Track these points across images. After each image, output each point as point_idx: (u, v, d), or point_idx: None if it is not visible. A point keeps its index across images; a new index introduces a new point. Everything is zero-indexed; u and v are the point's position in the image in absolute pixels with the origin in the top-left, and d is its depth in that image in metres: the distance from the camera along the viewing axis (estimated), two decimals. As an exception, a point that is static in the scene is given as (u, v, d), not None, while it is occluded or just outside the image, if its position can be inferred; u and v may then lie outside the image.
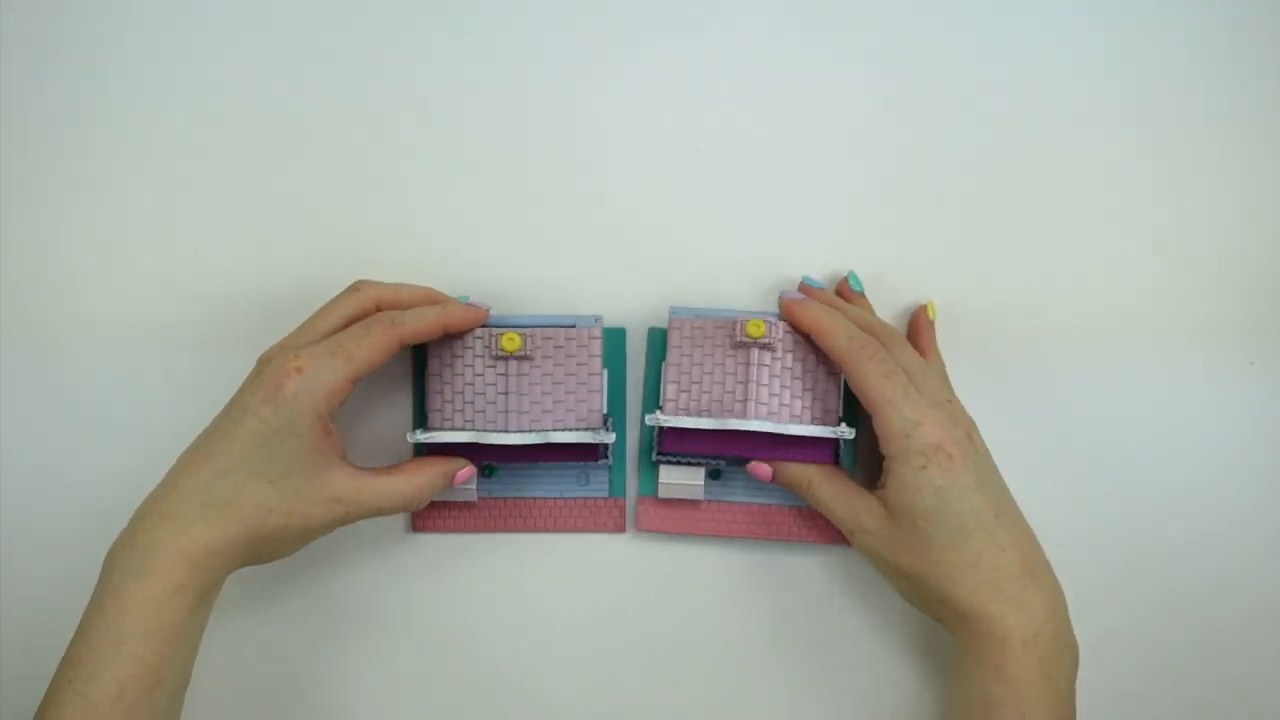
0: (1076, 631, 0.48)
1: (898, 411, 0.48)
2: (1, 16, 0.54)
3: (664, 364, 0.51)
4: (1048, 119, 0.55)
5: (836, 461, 0.51)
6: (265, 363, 0.47)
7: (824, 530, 0.54)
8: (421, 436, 0.50)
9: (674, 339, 0.51)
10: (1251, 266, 0.54)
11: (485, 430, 0.50)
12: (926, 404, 0.48)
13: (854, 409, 0.51)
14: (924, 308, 0.54)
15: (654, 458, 0.53)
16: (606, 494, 0.54)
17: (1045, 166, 0.55)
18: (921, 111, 0.55)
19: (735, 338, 0.50)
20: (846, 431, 0.50)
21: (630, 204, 0.54)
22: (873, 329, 0.51)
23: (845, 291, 0.54)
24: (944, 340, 0.54)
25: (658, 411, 0.51)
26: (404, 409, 0.54)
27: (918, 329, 0.54)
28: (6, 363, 0.54)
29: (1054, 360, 0.54)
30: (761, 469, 0.51)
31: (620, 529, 0.54)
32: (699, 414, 0.51)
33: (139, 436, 0.53)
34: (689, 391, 0.51)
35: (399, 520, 0.54)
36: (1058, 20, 0.55)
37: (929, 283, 0.54)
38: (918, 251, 0.54)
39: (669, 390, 0.51)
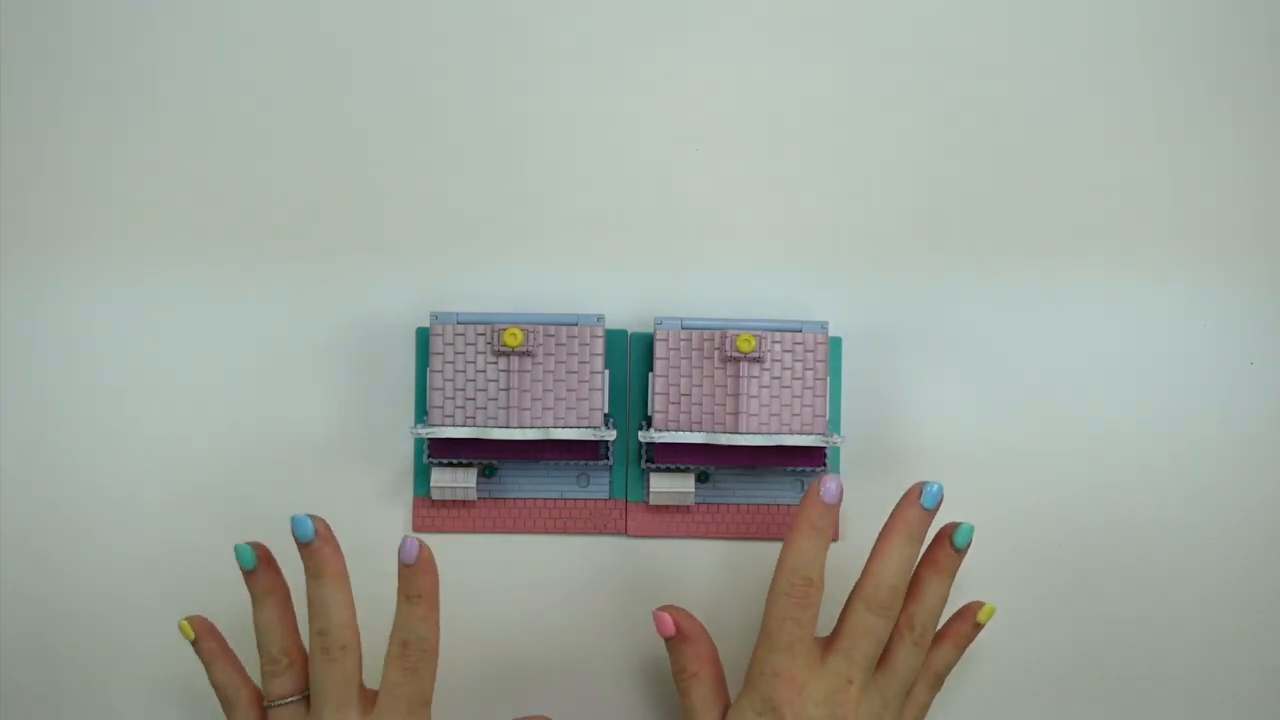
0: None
1: (768, 649, 0.46)
2: None
3: (651, 375, 0.52)
4: (1055, 119, 0.55)
5: (825, 467, 0.52)
6: None
7: None
8: (423, 431, 0.50)
9: (660, 350, 0.51)
10: (1252, 266, 0.55)
11: (486, 425, 0.50)
12: (816, 675, 0.46)
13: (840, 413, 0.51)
14: (980, 607, 0.49)
15: (643, 465, 0.53)
16: (607, 495, 0.54)
17: (1052, 171, 0.55)
18: (924, 111, 0.55)
19: (724, 351, 0.50)
20: (836, 438, 0.51)
21: (629, 206, 0.55)
22: (913, 614, 0.47)
23: (942, 538, 0.48)
24: (951, 358, 0.54)
25: (650, 429, 0.51)
26: (406, 403, 0.54)
27: (956, 623, 0.49)
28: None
29: (1053, 359, 0.55)
30: (666, 624, 0.49)
31: (621, 530, 0.54)
32: (689, 427, 0.51)
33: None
34: (678, 404, 0.51)
35: (399, 520, 0.54)
36: (1056, 16, 0.55)
37: (931, 285, 0.54)
38: (919, 252, 0.55)
39: (657, 403, 0.51)
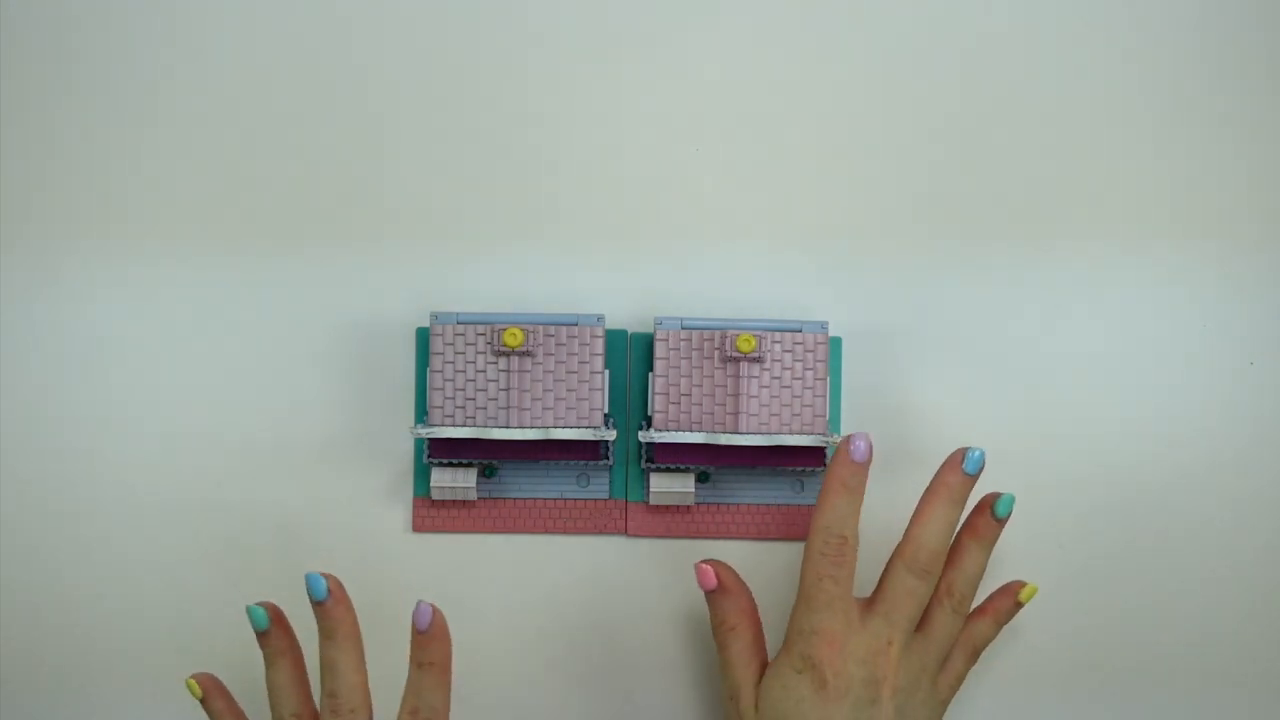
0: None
1: (806, 609, 0.46)
2: None
3: (651, 375, 0.52)
4: (1055, 122, 0.55)
5: (825, 467, 0.52)
6: None
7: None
8: (423, 431, 0.50)
9: (660, 350, 0.51)
10: (1253, 266, 0.55)
11: (486, 425, 0.50)
12: (856, 634, 0.46)
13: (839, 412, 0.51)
14: (1022, 586, 0.50)
15: (643, 465, 0.53)
16: (607, 495, 0.54)
17: (1052, 173, 0.55)
18: (924, 111, 0.55)
19: (724, 351, 0.51)
20: (836, 438, 0.51)
21: (629, 206, 0.55)
22: (952, 580, 0.47)
23: (983, 507, 0.49)
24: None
25: (649, 429, 0.51)
26: (406, 403, 0.54)
27: (999, 599, 0.50)
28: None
29: (1052, 360, 0.55)
30: (708, 576, 0.49)
31: (621, 530, 0.54)
32: (689, 427, 0.51)
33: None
34: (678, 404, 0.51)
35: (399, 520, 0.54)
36: (1057, 15, 0.55)
37: (932, 285, 0.54)
38: (920, 252, 0.55)
39: (657, 403, 0.51)
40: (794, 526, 0.54)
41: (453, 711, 0.48)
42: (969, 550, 0.48)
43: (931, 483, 0.48)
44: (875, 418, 0.54)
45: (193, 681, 0.48)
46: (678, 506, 0.54)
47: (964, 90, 0.55)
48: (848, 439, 0.46)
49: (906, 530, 0.47)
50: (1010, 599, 0.50)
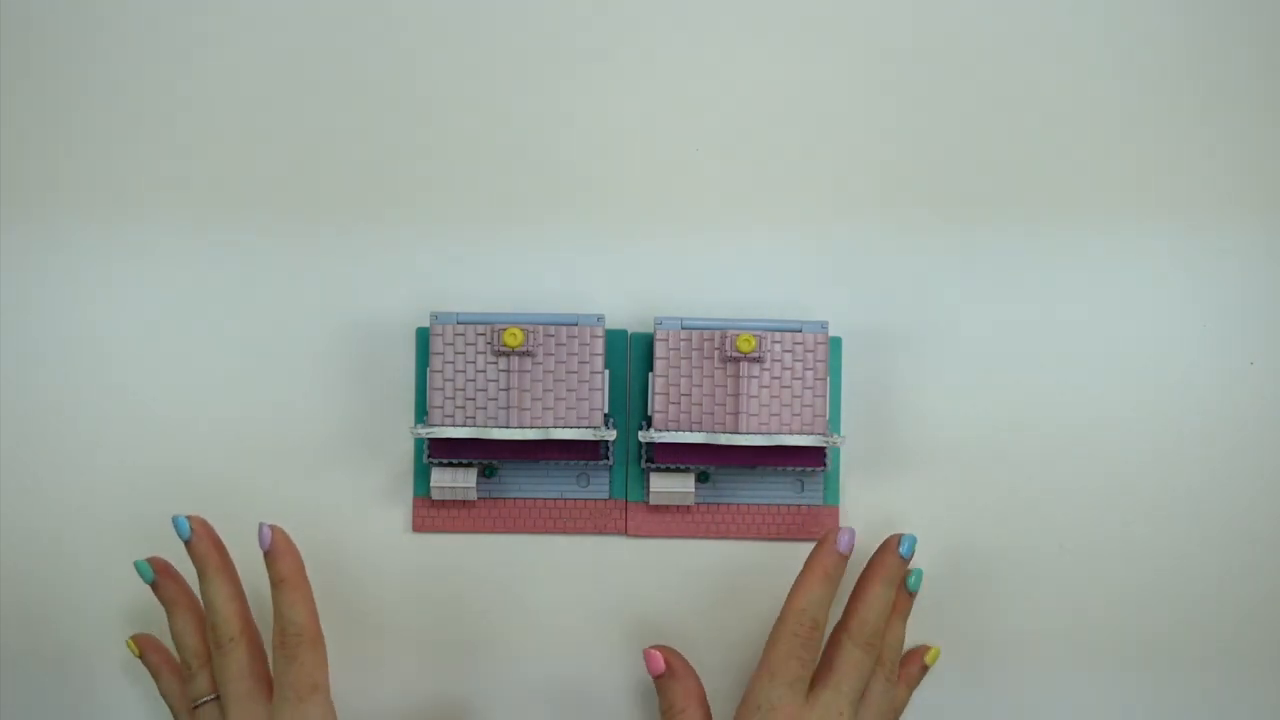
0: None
1: (769, 682, 0.47)
2: None
3: (651, 375, 0.52)
4: (1060, 120, 0.55)
5: (825, 467, 0.52)
6: None
7: (816, 528, 0.54)
8: (423, 431, 0.50)
9: (660, 350, 0.51)
10: (1253, 266, 0.55)
11: (486, 425, 0.50)
12: (810, 710, 0.47)
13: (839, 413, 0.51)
14: (927, 650, 0.52)
15: (643, 465, 0.53)
16: (607, 495, 0.54)
17: (1052, 174, 0.55)
18: (925, 112, 0.55)
19: (724, 351, 0.51)
20: (836, 438, 0.51)
21: (629, 206, 0.55)
22: (883, 650, 0.50)
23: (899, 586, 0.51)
24: (942, 355, 0.54)
25: (649, 429, 0.51)
26: (406, 403, 0.54)
27: (907, 665, 0.52)
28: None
29: (1052, 360, 0.55)
30: (656, 661, 0.50)
31: (621, 530, 0.54)
32: (689, 427, 0.51)
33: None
34: (678, 404, 0.51)
35: (399, 520, 0.54)
36: (1057, 17, 0.55)
37: (931, 286, 0.54)
38: (920, 252, 0.55)
39: (657, 403, 0.51)
40: (794, 527, 0.54)
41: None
42: (893, 623, 0.51)
43: (870, 563, 0.50)
44: (875, 418, 0.54)
45: (130, 642, 0.51)
46: (678, 506, 0.54)
47: (964, 90, 0.55)
48: (835, 531, 0.49)
49: (849, 607, 0.50)
50: (919, 664, 0.52)
